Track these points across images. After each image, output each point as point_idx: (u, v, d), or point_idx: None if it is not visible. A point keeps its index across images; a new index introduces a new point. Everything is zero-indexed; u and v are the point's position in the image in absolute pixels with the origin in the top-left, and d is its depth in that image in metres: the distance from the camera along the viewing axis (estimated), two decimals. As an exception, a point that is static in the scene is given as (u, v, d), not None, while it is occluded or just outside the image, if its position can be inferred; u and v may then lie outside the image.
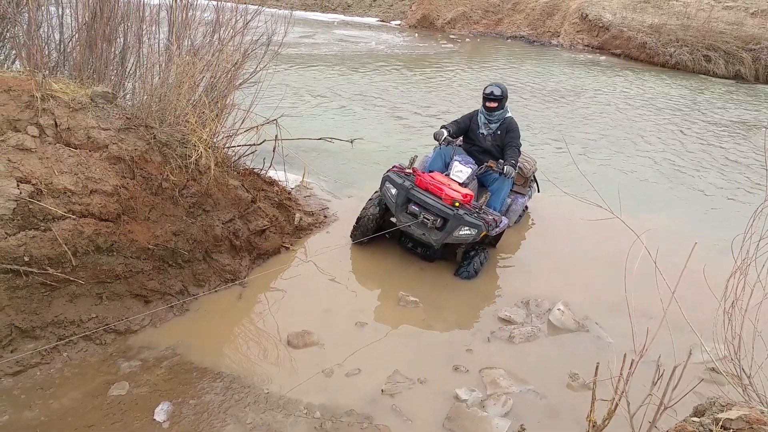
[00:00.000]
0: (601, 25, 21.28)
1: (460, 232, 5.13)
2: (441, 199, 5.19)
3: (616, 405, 2.28)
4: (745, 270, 2.82)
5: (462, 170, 5.51)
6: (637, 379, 2.47)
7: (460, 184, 5.41)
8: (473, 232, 5.13)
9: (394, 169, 5.51)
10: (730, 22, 20.22)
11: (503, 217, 5.73)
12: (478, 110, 5.96)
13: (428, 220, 5.18)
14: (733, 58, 18.97)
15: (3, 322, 3.51)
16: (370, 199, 5.70)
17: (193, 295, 4.54)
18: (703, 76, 18.44)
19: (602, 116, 12.25)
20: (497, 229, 5.51)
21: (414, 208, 5.26)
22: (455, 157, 5.68)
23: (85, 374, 3.70)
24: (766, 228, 2.96)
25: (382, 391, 3.95)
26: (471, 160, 5.75)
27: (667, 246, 3.45)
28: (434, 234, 5.21)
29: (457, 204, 5.13)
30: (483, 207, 5.30)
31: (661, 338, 2.39)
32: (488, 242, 5.79)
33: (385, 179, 5.41)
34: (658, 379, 2.07)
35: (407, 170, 5.46)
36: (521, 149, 5.92)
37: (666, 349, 2.68)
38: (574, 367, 4.42)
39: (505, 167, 5.45)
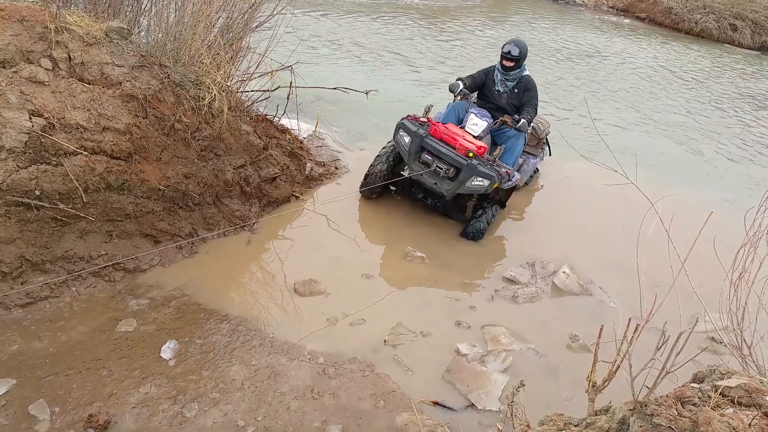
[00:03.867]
0: (627, -14, 20.69)
1: (473, 183, 5.09)
2: (455, 148, 5.14)
3: (618, 367, 2.29)
4: (755, 242, 2.79)
5: (477, 123, 5.44)
6: (638, 344, 2.48)
7: (474, 137, 5.34)
8: (486, 183, 5.08)
9: (409, 117, 5.44)
10: (760, -9, 19.62)
11: (515, 172, 5.67)
12: (495, 66, 5.83)
13: (441, 169, 5.13)
14: (760, 29, 18.50)
15: (14, 254, 3.55)
16: (377, 156, 5.65)
17: (203, 237, 4.56)
18: (728, 45, 18.01)
19: (623, 81, 12.02)
20: (509, 183, 5.47)
21: (427, 157, 5.21)
22: (471, 110, 5.60)
23: (94, 310, 3.76)
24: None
25: (385, 341, 4.01)
26: (487, 113, 5.66)
27: (682, 215, 3.41)
28: (446, 184, 5.16)
29: (471, 154, 5.08)
30: (496, 160, 5.25)
31: (666, 306, 2.39)
32: (497, 200, 5.75)
33: (399, 127, 5.35)
34: (662, 345, 2.08)
35: (422, 119, 5.40)
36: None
37: (671, 317, 2.69)
38: (576, 329, 4.46)
39: (521, 120, 5.37)
